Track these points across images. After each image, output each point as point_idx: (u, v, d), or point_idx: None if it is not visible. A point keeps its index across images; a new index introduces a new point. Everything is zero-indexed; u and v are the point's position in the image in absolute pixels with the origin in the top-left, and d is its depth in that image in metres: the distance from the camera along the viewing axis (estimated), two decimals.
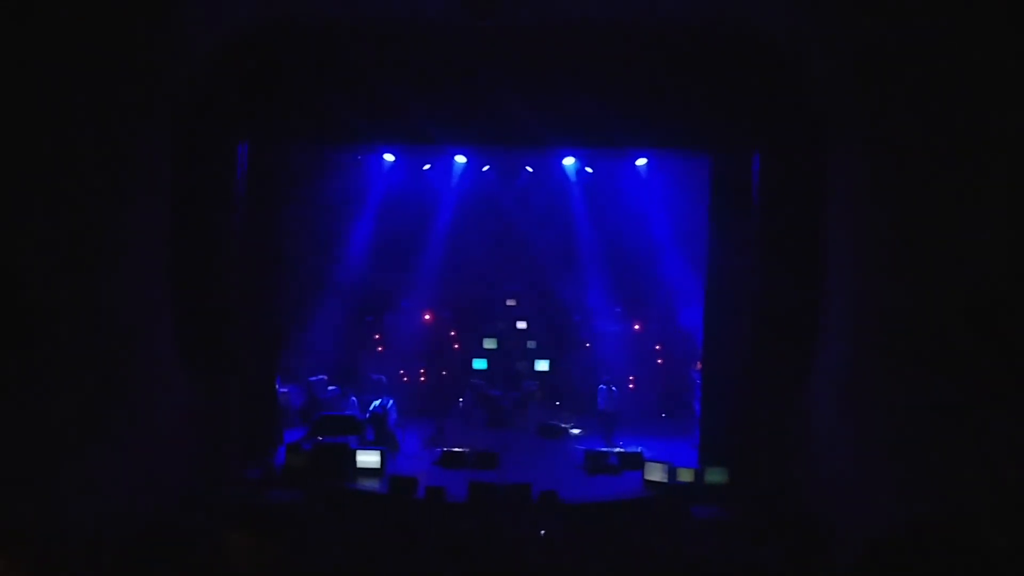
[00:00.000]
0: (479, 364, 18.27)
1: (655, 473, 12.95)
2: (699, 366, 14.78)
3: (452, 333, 18.54)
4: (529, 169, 17.75)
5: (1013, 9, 7.04)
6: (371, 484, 12.85)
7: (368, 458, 13.22)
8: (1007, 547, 6.87)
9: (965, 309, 7.56)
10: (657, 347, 17.57)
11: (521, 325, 18.78)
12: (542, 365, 18.21)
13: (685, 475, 12.76)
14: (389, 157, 17.22)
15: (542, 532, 10.77)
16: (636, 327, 17.81)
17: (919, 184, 8.67)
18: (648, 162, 16.72)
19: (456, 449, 14.00)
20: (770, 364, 12.15)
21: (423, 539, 10.49)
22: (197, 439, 12.08)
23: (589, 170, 17.44)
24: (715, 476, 12.65)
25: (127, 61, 9.45)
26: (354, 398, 15.46)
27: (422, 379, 17.69)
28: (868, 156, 9.93)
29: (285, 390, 15.48)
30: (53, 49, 8.24)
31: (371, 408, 14.87)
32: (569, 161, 16.84)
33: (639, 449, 14.11)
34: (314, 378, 16.32)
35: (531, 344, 18.73)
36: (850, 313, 10.49)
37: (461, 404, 16.71)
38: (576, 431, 16.32)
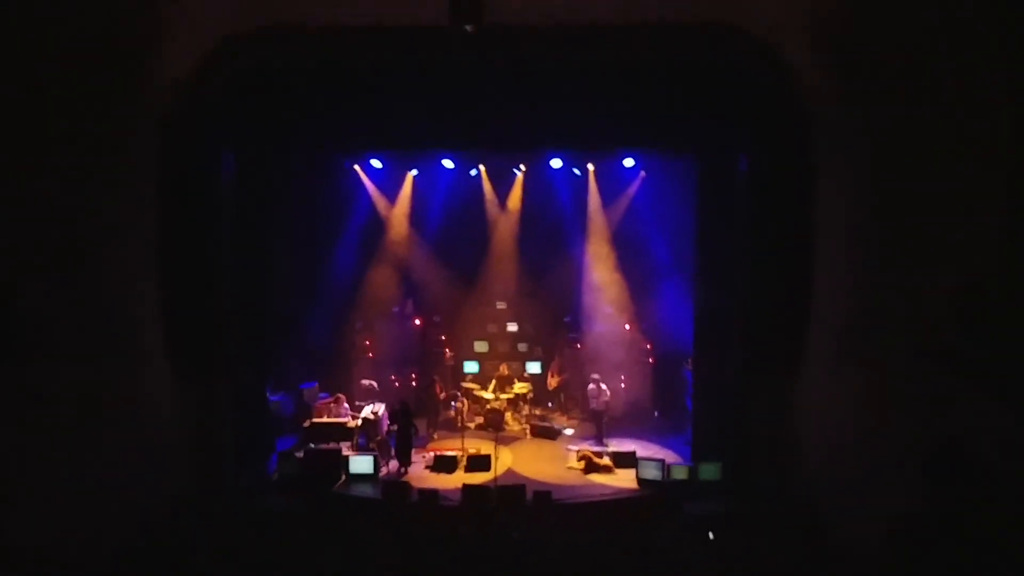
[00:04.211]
0: (470, 367, 18.25)
1: (649, 471, 13.00)
2: (690, 364, 14.84)
3: (442, 337, 18.51)
4: (517, 172, 17.77)
5: (996, 9, 7.12)
6: (364, 490, 12.85)
7: (361, 464, 13.22)
8: (997, 534, 6.92)
9: (954, 303, 7.62)
10: (648, 346, 17.58)
11: (512, 327, 18.79)
12: (533, 367, 18.21)
13: (679, 472, 12.82)
14: (376, 163, 17.27)
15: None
16: (627, 326, 17.81)
17: (906, 181, 8.74)
18: (640, 162, 16.80)
19: (449, 453, 14.00)
20: (761, 361, 12.20)
21: (418, 543, 10.48)
22: (189, 448, 12.05)
23: (577, 171, 17.48)
24: (709, 473, 12.70)
25: (112, 70, 9.43)
26: (345, 404, 15.43)
27: (414, 384, 17.66)
28: (855, 154, 9.99)
29: (276, 398, 15.44)
30: (38, 59, 8.22)
31: (362, 414, 14.87)
32: (557, 163, 16.88)
33: (632, 448, 14.15)
34: (305, 385, 16.29)
35: (522, 347, 18.74)
36: (840, 309, 10.55)
37: (454, 407, 16.70)
38: (569, 431, 16.36)
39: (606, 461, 13.67)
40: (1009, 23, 6.97)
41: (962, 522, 7.02)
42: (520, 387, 17.10)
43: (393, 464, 13.93)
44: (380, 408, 15.11)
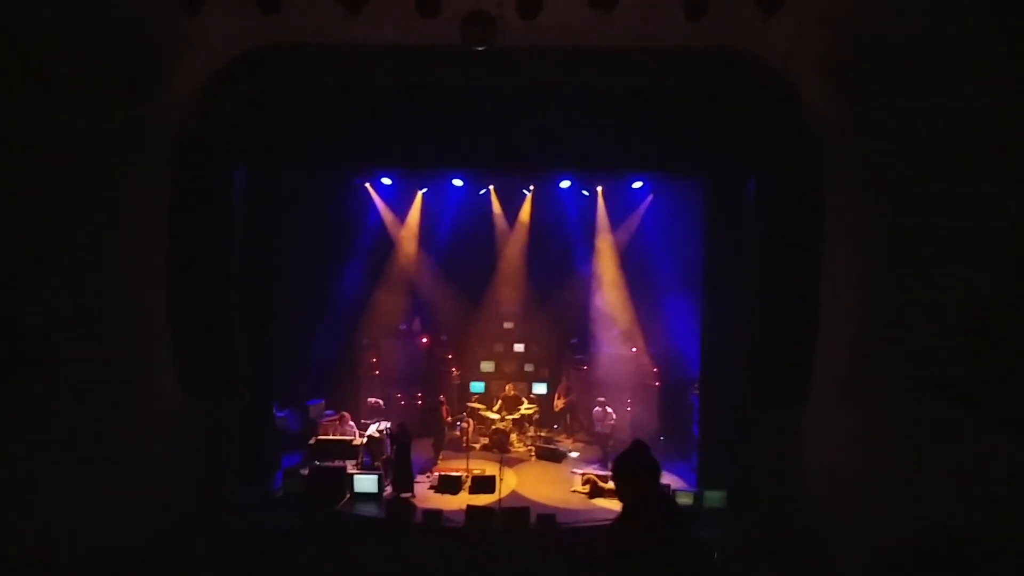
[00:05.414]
0: (476, 387, 18.22)
1: None
2: (697, 389, 14.75)
3: (449, 356, 18.48)
4: (526, 192, 17.82)
5: (1007, 37, 7.13)
6: (368, 509, 12.79)
7: (366, 483, 13.17)
8: (1003, 565, 6.85)
9: (964, 328, 7.58)
10: (655, 369, 17.51)
11: (518, 348, 18.76)
12: (539, 388, 18.15)
13: (684, 498, 12.72)
14: (386, 181, 17.33)
15: None
16: (633, 349, 17.75)
17: (914, 208, 8.72)
18: (648, 184, 16.81)
19: (453, 473, 13.95)
20: (767, 389, 12.12)
21: (421, 564, 10.43)
22: (195, 464, 12.04)
23: (586, 193, 17.52)
24: (714, 500, 12.59)
25: (126, 85, 9.51)
26: (351, 422, 15.41)
27: (419, 403, 17.62)
28: (863, 181, 9.99)
29: (283, 415, 15.43)
30: (53, 72, 8.30)
31: (368, 432, 14.83)
32: (566, 184, 16.91)
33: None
34: (311, 402, 16.28)
35: (528, 367, 18.70)
36: (849, 334, 10.49)
37: (459, 427, 16.65)
38: (574, 454, 16.28)
39: (611, 485, 13.57)
40: (1020, 51, 6.97)
41: None
42: (526, 408, 17.04)
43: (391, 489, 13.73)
44: (385, 426, 15.09)
